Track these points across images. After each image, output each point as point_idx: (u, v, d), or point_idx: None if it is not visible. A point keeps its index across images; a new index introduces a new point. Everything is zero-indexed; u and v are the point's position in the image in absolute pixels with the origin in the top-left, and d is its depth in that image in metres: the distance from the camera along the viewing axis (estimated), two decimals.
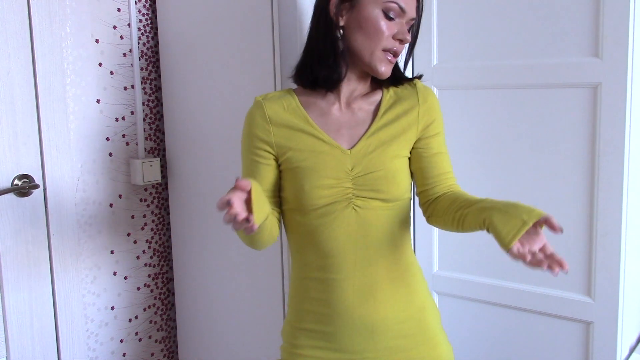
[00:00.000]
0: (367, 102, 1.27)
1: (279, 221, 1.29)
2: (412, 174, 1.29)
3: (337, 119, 1.25)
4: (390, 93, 1.27)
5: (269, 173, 1.25)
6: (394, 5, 1.17)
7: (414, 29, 1.25)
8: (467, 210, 1.16)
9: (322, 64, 1.23)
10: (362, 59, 1.21)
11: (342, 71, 1.23)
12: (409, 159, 1.28)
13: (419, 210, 1.75)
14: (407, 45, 1.25)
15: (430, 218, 1.30)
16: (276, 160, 1.25)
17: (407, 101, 1.26)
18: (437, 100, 1.30)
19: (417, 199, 1.33)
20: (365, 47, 1.20)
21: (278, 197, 1.28)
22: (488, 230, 1.09)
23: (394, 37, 1.19)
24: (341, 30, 1.23)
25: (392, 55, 1.20)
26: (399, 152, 1.23)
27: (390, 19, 1.18)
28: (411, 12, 1.19)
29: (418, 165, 1.27)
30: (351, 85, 1.26)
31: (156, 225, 1.99)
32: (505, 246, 1.04)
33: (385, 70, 1.21)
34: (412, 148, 1.27)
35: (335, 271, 1.21)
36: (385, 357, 1.23)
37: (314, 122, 1.23)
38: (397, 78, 1.27)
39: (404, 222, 1.27)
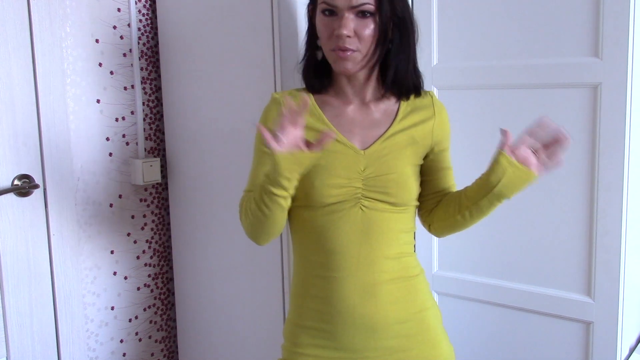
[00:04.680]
0: (384, 104, 1.27)
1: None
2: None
3: (351, 119, 1.25)
4: (407, 100, 1.27)
5: None
6: (324, 4, 1.17)
7: (382, 16, 1.16)
8: (463, 192, 1.25)
9: (308, 71, 1.28)
10: (328, 60, 1.23)
11: (318, 78, 1.26)
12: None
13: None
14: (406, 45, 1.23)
15: (432, 225, 1.33)
16: None
17: (423, 111, 1.27)
18: (447, 114, 1.31)
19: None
20: (324, 51, 1.22)
21: None
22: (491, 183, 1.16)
23: (333, 34, 1.17)
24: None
25: (342, 52, 1.16)
26: (413, 159, 1.24)
27: (329, 17, 1.17)
28: (345, 2, 1.14)
29: (425, 178, 1.29)
30: (357, 85, 1.26)
31: (156, 225, 1.99)
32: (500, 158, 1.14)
33: (341, 67, 1.18)
34: (425, 160, 1.28)
35: (338, 269, 1.22)
36: (385, 356, 1.24)
37: (329, 121, 1.24)
38: (407, 85, 1.25)
39: (409, 225, 1.28)
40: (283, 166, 1.07)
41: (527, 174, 1.13)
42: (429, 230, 1.35)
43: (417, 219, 1.35)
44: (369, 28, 1.16)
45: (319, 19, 1.19)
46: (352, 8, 1.14)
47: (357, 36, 1.16)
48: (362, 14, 1.15)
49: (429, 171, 1.29)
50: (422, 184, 1.29)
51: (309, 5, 1.27)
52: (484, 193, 1.18)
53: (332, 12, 1.16)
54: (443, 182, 1.30)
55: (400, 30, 1.20)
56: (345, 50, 1.16)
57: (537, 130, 1.12)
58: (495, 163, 1.15)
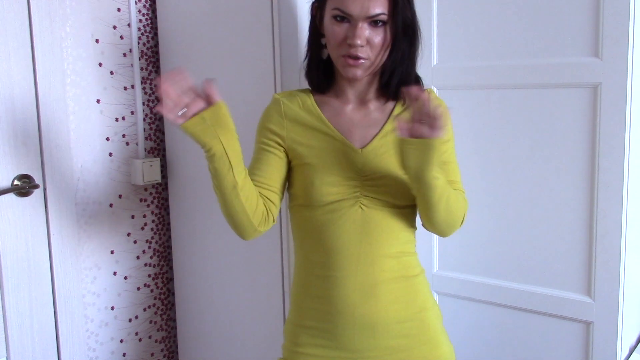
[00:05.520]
0: (382, 103, 1.28)
1: (266, 200, 1.25)
2: None
3: (350, 119, 1.26)
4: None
5: (273, 161, 1.25)
6: (337, 11, 1.16)
7: (394, 25, 1.17)
8: None
9: (311, 70, 1.28)
10: (335, 64, 1.23)
11: (323, 78, 1.26)
12: None
13: None
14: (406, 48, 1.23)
15: (422, 223, 1.30)
16: (285, 153, 1.26)
17: None
18: (447, 109, 1.29)
19: None
20: (331, 54, 1.22)
21: (279, 191, 1.27)
22: (410, 172, 1.12)
23: (345, 42, 1.17)
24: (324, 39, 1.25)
25: (353, 60, 1.17)
26: None
27: (341, 23, 1.17)
28: (361, 11, 1.14)
29: None
30: (359, 87, 1.26)
31: (156, 225, 1.99)
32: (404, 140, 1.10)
33: (350, 74, 1.19)
34: None
35: (338, 268, 1.22)
36: (386, 356, 1.24)
37: (328, 120, 1.25)
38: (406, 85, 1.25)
39: (409, 224, 1.27)
40: (197, 133, 1.09)
41: (424, 143, 1.07)
42: (423, 226, 1.31)
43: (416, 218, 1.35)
44: (380, 36, 1.17)
45: (330, 23, 1.19)
46: (367, 18, 1.15)
47: (369, 44, 1.17)
48: (374, 22, 1.16)
49: None
50: None
51: (313, 3, 1.27)
52: (412, 182, 1.15)
53: (344, 19, 1.17)
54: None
55: (408, 38, 1.21)
56: (357, 58, 1.17)
57: (408, 103, 1.10)
58: (398, 149, 1.12)
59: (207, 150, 1.12)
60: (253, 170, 1.25)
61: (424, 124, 1.08)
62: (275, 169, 1.25)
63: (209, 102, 1.10)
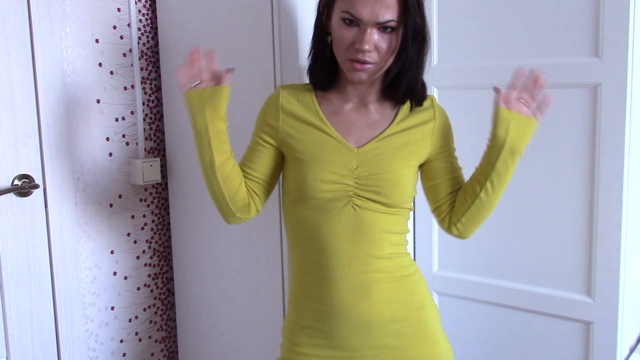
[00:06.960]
0: (384, 106, 1.27)
1: (250, 191, 1.29)
2: (426, 189, 1.30)
3: (349, 118, 1.26)
4: (407, 103, 1.27)
5: (264, 154, 1.29)
6: (346, 14, 1.16)
7: (404, 32, 1.16)
8: (475, 172, 1.26)
9: (315, 67, 1.28)
10: (340, 66, 1.23)
11: (326, 76, 1.26)
12: (422, 175, 1.29)
13: (418, 211, 1.75)
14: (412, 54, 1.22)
15: (457, 224, 1.28)
16: (278, 147, 1.28)
17: (423, 113, 1.27)
18: (448, 120, 1.31)
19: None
20: (337, 56, 1.22)
21: (265, 184, 1.30)
22: (494, 148, 1.20)
23: (353, 46, 1.16)
24: (330, 38, 1.24)
25: (359, 64, 1.17)
26: (408, 160, 1.24)
27: (349, 26, 1.16)
28: (371, 17, 1.13)
29: (437, 181, 1.28)
30: (361, 88, 1.26)
31: (156, 225, 1.99)
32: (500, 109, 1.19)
33: (355, 77, 1.19)
34: (428, 163, 1.27)
35: (331, 268, 1.22)
36: (383, 355, 1.24)
37: (325, 117, 1.25)
38: (413, 92, 1.25)
39: (402, 227, 1.28)
40: (191, 104, 1.21)
41: (527, 121, 1.18)
42: (453, 232, 1.30)
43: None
44: (388, 42, 1.17)
45: (338, 26, 1.18)
46: (377, 24, 1.14)
47: (376, 49, 1.16)
48: (383, 28, 1.16)
49: (440, 174, 1.28)
50: (435, 187, 1.29)
51: (321, 1, 1.25)
52: (497, 154, 1.19)
53: (353, 22, 1.16)
54: (457, 183, 1.29)
55: (417, 44, 1.20)
56: (364, 63, 1.17)
57: (516, 81, 1.19)
58: (497, 118, 1.18)
59: (193, 125, 1.22)
60: (244, 160, 1.31)
61: (523, 102, 1.18)
62: (264, 162, 1.29)
63: (218, 84, 1.21)
